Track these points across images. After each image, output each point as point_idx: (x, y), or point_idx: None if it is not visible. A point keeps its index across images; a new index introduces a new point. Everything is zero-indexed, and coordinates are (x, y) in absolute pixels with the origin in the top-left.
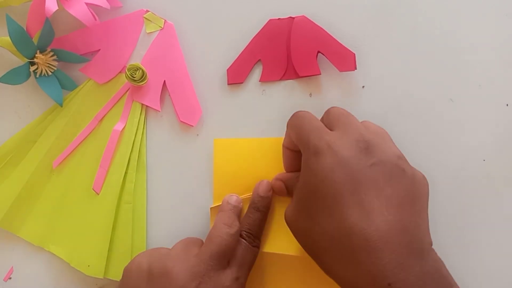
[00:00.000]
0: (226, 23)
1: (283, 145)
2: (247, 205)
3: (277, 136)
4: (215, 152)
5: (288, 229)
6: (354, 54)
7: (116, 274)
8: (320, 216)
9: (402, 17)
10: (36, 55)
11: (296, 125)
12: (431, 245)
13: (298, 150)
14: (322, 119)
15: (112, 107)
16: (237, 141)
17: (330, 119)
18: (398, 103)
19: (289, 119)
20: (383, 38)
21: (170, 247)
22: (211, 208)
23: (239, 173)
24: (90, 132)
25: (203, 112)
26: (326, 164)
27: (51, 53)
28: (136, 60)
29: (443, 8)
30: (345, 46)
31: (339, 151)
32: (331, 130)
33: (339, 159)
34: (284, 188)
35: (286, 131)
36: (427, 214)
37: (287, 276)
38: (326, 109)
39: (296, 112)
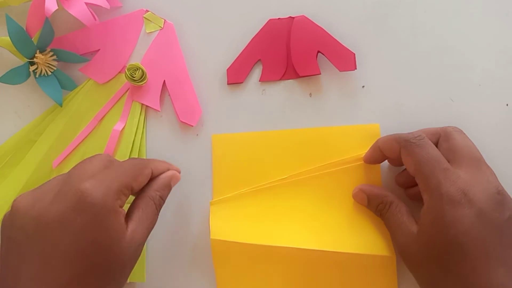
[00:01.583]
0: (226, 23)
1: (379, 146)
2: (245, 200)
3: None
4: (214, 148)
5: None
6: (354, 54)
7: None
8: (459, 268)
9: (401, 17)
10: (36, 55)
11: (417, 155)
12: None
13: (396, 159)
14: (438, 142)
15: (112, 107)
16: (235, 135)
17: (453, 150)
18: (398, 103)
19: (406, 142)
20: (383, 38)
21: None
22: (211, 202)
23: (237, 167)
24: (90, 132)
25: (203, 112)
26: (465, 217)
27: (51, 53)
28: (136, 60)
29: (443, 8)
30: (345, 46)
31: (476, 202)
32: (451, 161)
33: (477, 212)
34: (366, 200)
35: (390, 140)
36: None
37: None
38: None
39: (415, 138)
